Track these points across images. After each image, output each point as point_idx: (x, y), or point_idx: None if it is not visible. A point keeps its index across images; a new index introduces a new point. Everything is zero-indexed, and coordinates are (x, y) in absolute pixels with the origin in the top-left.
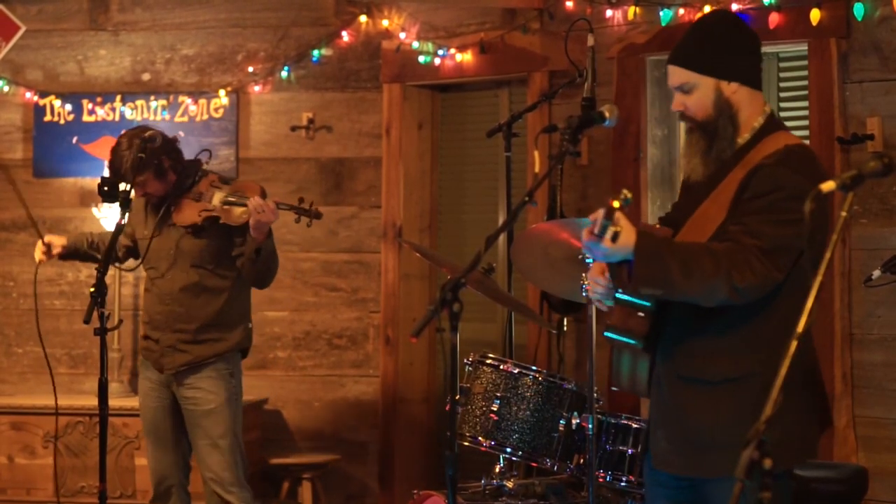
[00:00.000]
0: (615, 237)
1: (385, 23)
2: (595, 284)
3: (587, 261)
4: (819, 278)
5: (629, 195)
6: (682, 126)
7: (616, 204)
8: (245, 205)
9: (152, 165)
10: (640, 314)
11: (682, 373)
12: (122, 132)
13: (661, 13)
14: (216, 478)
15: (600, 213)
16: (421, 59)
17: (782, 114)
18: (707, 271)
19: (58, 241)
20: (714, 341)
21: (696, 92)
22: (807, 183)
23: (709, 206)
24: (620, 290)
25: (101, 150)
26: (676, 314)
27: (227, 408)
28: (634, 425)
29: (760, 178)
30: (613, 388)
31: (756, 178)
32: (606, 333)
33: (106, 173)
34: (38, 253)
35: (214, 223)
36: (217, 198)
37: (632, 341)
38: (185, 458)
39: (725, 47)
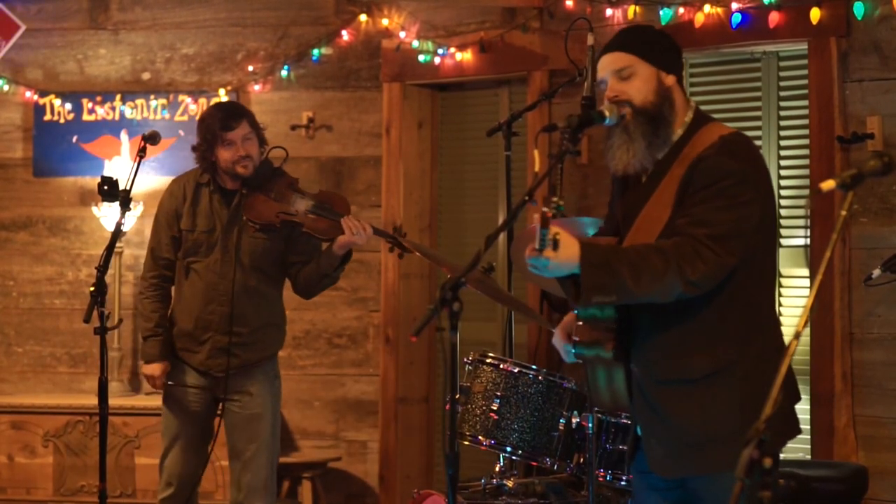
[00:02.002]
0: (556, 244)
1: (385, 22)
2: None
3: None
4: (820, 277)
5: (561, 202)
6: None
7: (549, 213)
8: (335, 220)
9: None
10: (605, 324)
11: (661, 377)
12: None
13: (661, 12)
14: (252, 479)
15: (536, 227)
16: (421, 58)
17: (782, 113)
18: (657, 270)
19: (156, 369)
20: (685, 338)
21: (636, 79)
22: (749, 168)
23: (652, 208)
24: (577, 308)
25: (101, 149)
26: (642, 319)
27: (272, 411)
28: None
29: (703, 170)
30: (596, 410)
31: (699, 171)
32: (577, 351)
33: (106, 172)
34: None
35: (290, 228)
36: (303, 205)
37: (603, 353)
38: (206, 459)
39: (662, 43)
